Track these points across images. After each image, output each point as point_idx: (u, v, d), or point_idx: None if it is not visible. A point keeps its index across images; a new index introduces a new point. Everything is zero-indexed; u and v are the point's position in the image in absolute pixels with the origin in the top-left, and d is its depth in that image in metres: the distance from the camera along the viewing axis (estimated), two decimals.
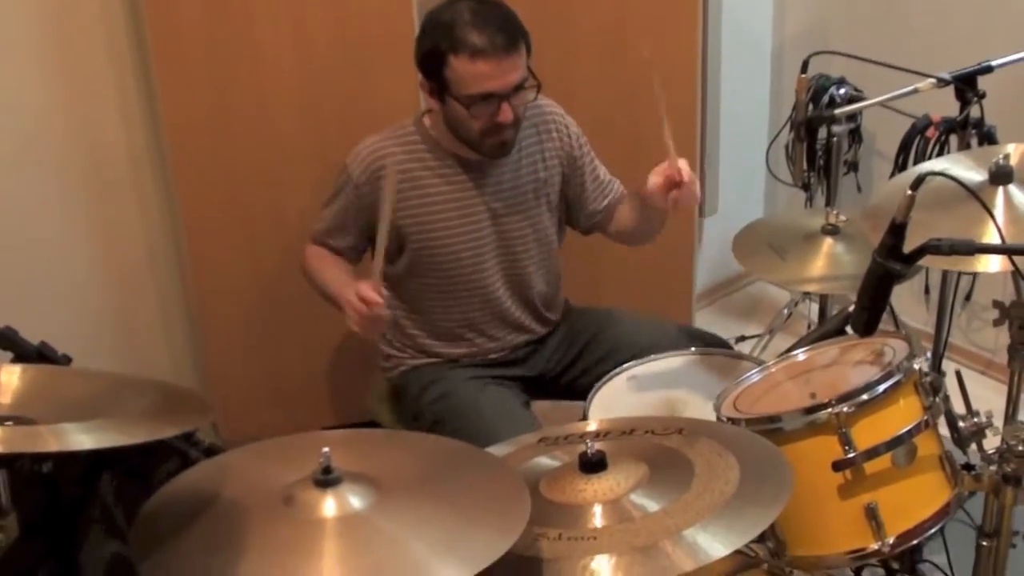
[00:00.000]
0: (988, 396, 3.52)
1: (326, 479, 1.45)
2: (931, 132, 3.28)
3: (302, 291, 2.56)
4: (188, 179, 2.76)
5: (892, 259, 1.70)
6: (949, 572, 2.57)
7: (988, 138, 2.93)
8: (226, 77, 2.70)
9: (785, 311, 4.03)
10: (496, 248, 2.53)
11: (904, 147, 3.39)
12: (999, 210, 2.03)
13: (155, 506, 1.53)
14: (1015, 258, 1.76)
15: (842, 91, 3.48)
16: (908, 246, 1.70)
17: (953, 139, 3.20)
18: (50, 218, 2.73)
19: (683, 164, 2.27)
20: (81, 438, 1.34)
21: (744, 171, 4.19)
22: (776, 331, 4.08)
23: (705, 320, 3.83)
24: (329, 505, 1.44)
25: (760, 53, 4.20)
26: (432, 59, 2.32)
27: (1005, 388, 3.44)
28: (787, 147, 3.74)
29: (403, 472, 1.57)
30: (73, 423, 1.39)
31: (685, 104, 3.27)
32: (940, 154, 3.32)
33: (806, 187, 3.65)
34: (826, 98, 3.49)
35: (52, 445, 1.35)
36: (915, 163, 3.36)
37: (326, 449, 1.46)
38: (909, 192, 1.65)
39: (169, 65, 2.65)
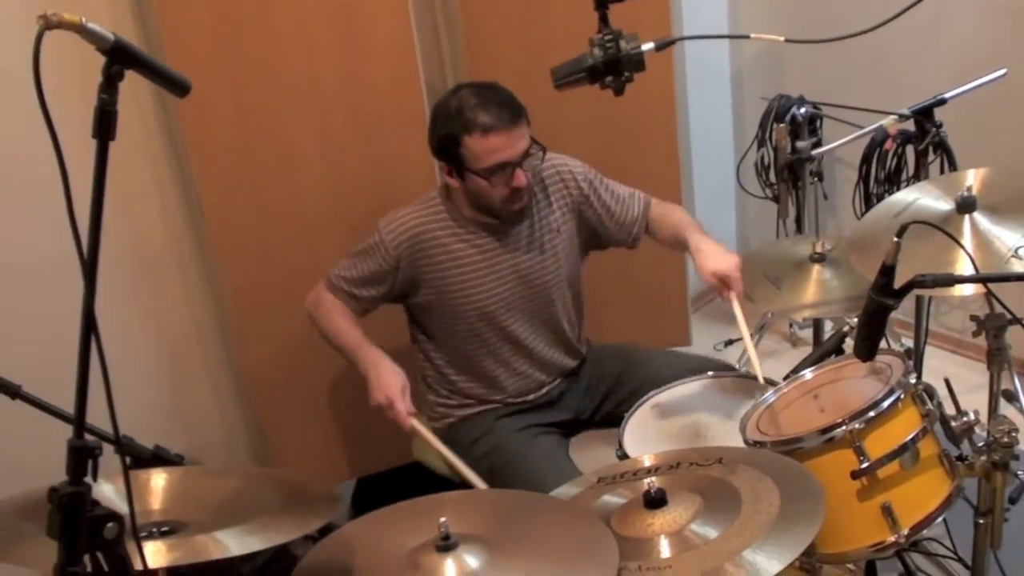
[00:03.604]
0: (962, 373, 3.83)
1: (446, 544, 1.69)
2: (888, 144, 3.54)
3: None
4: (229, 256, 2.97)
5: (885, 296, 1.89)
6: (951, 544, 2.87)
7: (942, 146, 3.19)
8: (256, 161, 2.92)
9: (769, 314, 4.31)
10: (522, 298, 2.77)
11: (866, 159, 3.67)
12: (967, 236, 2.29)
13: None
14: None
15: (803, 110, 3.74)
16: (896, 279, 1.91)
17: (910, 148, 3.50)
18: (103, 309, 2.91)
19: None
20: (247, 540, 1.57)
21: (716, 187, 4.46)
22: (764, 332, 4.35)
23: (694, 327, 4.02)
24: (450, 568, 1.66)
25: (720, 76, 4.46)
26: (447, 143, 2.58)
27: (977, 364, 3.77)
28: (756, 165, 4.03)
29: (503, 527, 1.80)
30: (229, 528, 1.62)
31: (666, 133, 3.51)
32: (899, 164, 3.59)
33: (776, 199, 3.92)
34: (788, 118, 3.76)
35: (216, 554, 1.56)
36: (877, 174, 3.63)
37: (443, 519, 1.69)
38: (896, 240, 1.87)
39: (205, 157, 2.86)
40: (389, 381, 2.59)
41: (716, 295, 2.68)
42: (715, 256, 2.65)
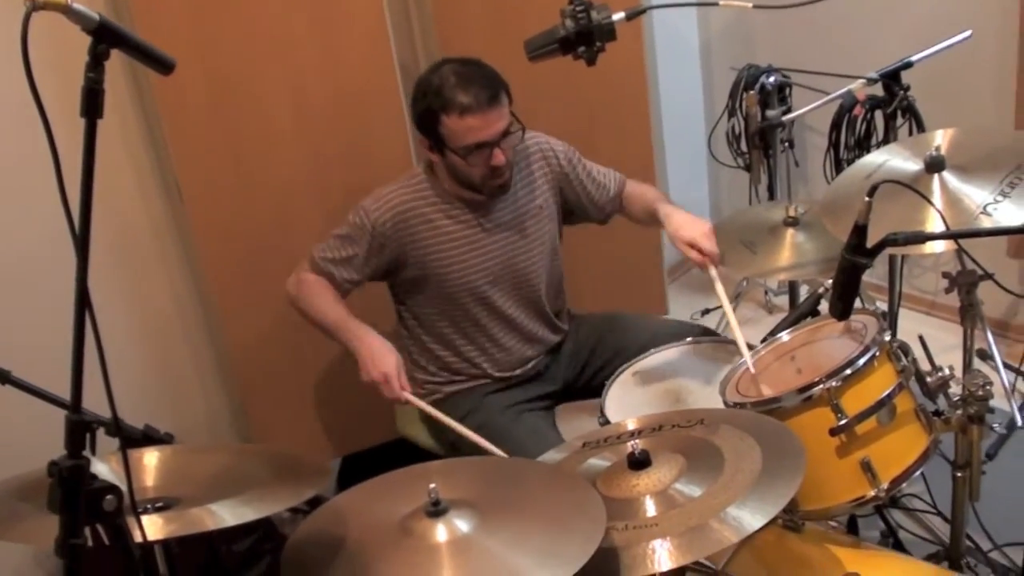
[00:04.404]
0: (936, 334, 3.84)
1: (436, 510, 1.72)
2: (858, 110, 3.58)
3: None
4: (209, 238, 2.99)
5: (858, 255, 1.93)
6: (930, 499, 2.93)
7: (910, 109, 3.23)
8: (235, 140, 2.93)
9: (744, 282, 4.35)
10: (506, 272, 2.80)
11: (836, 125, 3.71)
12: (937, 195, 2.31)
13: (289, 558, 1.72)
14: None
15: (772, 79, 3.78)
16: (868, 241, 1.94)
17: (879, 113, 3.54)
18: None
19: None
20: (241, 511, 1.60)
21: (687, 157, 4.50)
22: (739, 301, 4.40)
23: (671, 298, 4.05)
24: (442, 532, 1.69)
25: (689, 48, 4.49)
26: (426, 119, 2.59)
27: (950, 325, 3.81)
28: (727, 134, 4.06)
29: (492, 492, 1.82)
30: (222, 501, 1.64)
31: (638, 105, 3.54)
32: (868, 129, 3.63)
33: (748, 167, 3.97)
34: (758, 87, 3.80)
35: (211, 525, 1.59)
36: (846, 140, 3.67)
37: (433, 485, 1.72)
38: (867, 199, 1.89)
39: (182, 139, 2.87)
40: (383, 357, 2.58)
41: (692, 265, 2.71)
42: (686, 225, 2.69)
